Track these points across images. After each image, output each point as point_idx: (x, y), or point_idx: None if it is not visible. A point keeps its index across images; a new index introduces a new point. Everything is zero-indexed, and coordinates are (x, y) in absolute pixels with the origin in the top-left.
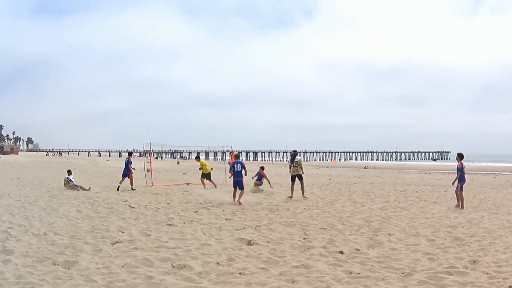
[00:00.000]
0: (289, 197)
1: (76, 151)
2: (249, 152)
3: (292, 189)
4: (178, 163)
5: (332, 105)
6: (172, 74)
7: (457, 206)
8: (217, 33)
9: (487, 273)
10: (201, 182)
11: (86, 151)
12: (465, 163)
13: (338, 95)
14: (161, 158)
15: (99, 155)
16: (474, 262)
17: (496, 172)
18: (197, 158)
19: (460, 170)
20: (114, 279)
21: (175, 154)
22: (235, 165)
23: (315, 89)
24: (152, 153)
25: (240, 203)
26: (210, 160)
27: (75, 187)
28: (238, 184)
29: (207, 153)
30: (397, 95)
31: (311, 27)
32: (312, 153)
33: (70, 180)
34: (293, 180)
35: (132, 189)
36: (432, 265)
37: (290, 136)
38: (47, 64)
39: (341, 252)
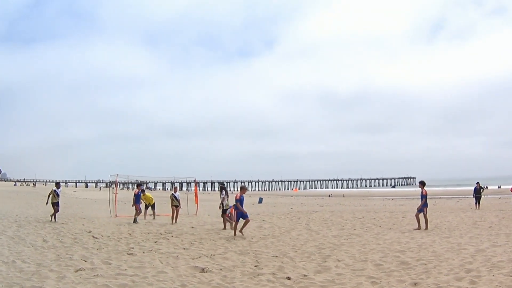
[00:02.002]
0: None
1: (43, 181)
2: (214, 182)
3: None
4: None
5: (294, 134)
6: (135, 104)
7: (417, 229)
8: (179, 63)
9: None
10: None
11: (53, 181)
12: (430, 188)
13: (300, 124)
14: (132, 189)
15: (66, 186)
16: (415, 284)
17: (460, 196)
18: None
19: (424, 197)
20: None
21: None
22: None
23: (277, 118)
24: (118, 184)
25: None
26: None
27: (57, 205)
28: (242, 215)
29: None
30: (359, 122)
31: (271, 57)
32: (277, 182)
33: (57, 195)
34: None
35: (134, 221)
36: None
37: (254, 165)
38: (13, 93)
39: (288, 278)
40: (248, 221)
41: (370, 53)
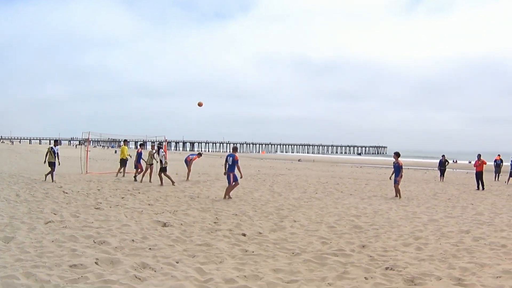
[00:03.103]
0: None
1: (18, 138)
2: (186, 142)
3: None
4: (115, 152)
5: (268, 98)
6: (110, 62)
7: (396, 196)
8: (155, 23)
9: (371, 256)
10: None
11: (27, 139)
12: (399, 159)
13: (274, 88)
14: (107, 147)
15: (40, 143)
16: (363, 246)
17: (428, 168)
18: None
19: (401, 167)
20: (44, 251)
21: (113, 143)
22: (228, 158)
23: (251, 82)
24: (91, 141)
25: (230, 197)
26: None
27: (53, 165)
28: (227, 178)
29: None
30: (333, 89)
31: (247, 20)
32: (248, 145)
33: (54, 153)
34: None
35: (135, 179)
36: (323, 247)
37: (227, 127)
38: None
39: (244, 235)
40: (237, 184)
41: (348, 22)
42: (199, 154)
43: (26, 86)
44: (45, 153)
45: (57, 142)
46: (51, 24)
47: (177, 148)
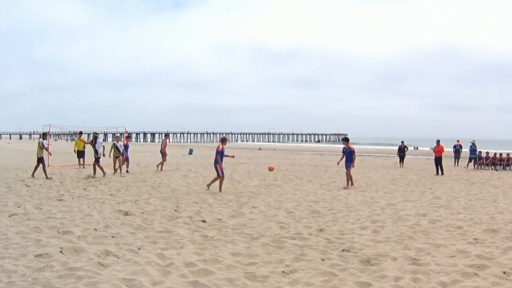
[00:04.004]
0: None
1: None
2: (146, 133)
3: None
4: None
5: (227, 86)
6: (68, 53)
7: (347, 187)
8: (113, 14)
9: (328, 239)
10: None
11: None
12: (360, 146)
13: (233, 77)
14: (67, 140)
15: (0, 138)
16: (320, 230)
17: (389, 155)
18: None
19: (353, 152)
20: (9, 242)
21: (73, 136)
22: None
23: (210, 71)
24: (51, 134)
25: (208, 188)
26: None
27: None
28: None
29: (105, 134)
30: (292, 78)
31: (205, 9)
32: (209, 134)
33: (44, 146)
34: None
35: (126, 171)
36: (281, 232)
37: (187, 117)
38: None
39: (203, 221)
40: (223, 178)
41: (306, 10)
42: (166, 136)
43: None
44: (37, 149)
45: (45, 135)
46: (6, 16)
47: (138, 140)
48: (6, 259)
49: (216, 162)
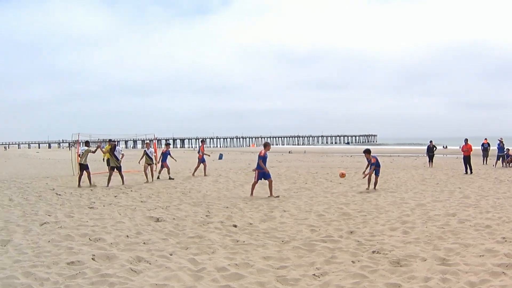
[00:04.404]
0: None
1: (4, 144)
2: (176, 139)
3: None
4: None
5: (253, 91)
6: (93, 62)
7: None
8: (136, 21)
9: (358, 241)
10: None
11: (16, 143)
12: (389, 147)
13: (258, 80)
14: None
15: (29, 147)
16: (351, 232)
17: (418, 155)
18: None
19: (373, 164)
20: (41, 250)
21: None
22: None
23: (236, 75)
24: (80, 143)
25: (277, 196)
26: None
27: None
28: (264, 175)
29: (134, 141)
30: (317, 80)
31: (228, 14)
32: (238, 139)
33: (112, 155)
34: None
35: (169, 178)
36: (312, 235)
37: (215, 122)
38: None
39: (235, 226)
40: (271, 181)
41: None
42: (203, 141)
43: (8, 89)
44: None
45: (88, 143)
46: (30, 26)
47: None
48: (38, 267)
49: (257, 167)
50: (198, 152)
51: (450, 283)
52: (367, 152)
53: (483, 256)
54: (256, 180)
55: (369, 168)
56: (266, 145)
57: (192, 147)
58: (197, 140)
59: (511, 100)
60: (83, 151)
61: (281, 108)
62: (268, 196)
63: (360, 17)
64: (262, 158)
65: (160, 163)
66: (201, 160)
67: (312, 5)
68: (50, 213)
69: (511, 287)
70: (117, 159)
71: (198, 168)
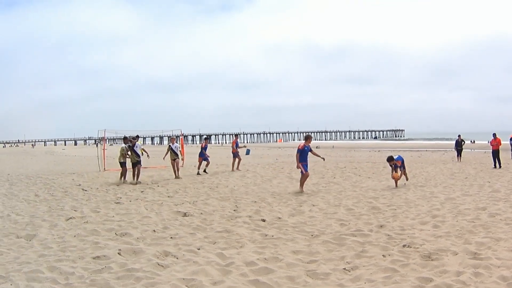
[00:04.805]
0: None
1: (32, 141)
2: (202, 135)
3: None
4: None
5: (280, 86)
6: (120, 60)
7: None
8: (162, 19)
9: (388, 235)
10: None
11: (42, 141)
12: (417, 142)
13: (285, 76)
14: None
15: (55, 144)
16: (381, 226)
17: (447, 149)
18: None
19: (397, 166)
20: (67, 245)
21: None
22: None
23: (262, 71)
24: (107, 139)
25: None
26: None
27: (124, 165)
28: (305, 167)
29: (161, 137)
30: (344, 75)
31: (253, 10)
32: (265, 134)
33: (132, 151)
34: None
35: (204, 171)
36: (341, 229)
37: (241, 118)
38: None
39: (263, 220)
40: (307, 175)
41: (356, 6)
42: (236, 136)
43: (37, 88)
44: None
45: (126, 139)
46: (57, 25)
47: (194, 142)
48: (63, 261)
49: (300, 160)
50: (233, 147)
51: (482, 277)
52: (390, 160)
53: None
54: (304, 171)
55: (397, 170)
56: (307, 138)
57: (218, 142)
58: (224, 135)
59: None
60: (126, 148)
61: (308, 103)
62: (300, 188)
63: (387, 11)
64: (300, 152)
65: (199, 157)
66: (235, 155)
67: (338, 0)
68: (76, 208)
69: None
70: (137, 154)
71: (235, 162)
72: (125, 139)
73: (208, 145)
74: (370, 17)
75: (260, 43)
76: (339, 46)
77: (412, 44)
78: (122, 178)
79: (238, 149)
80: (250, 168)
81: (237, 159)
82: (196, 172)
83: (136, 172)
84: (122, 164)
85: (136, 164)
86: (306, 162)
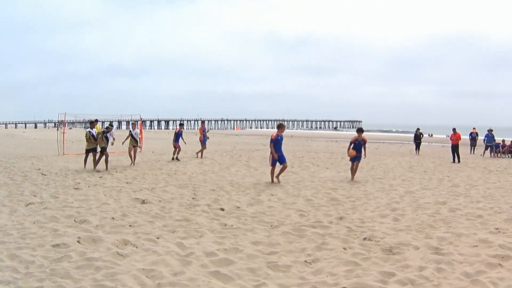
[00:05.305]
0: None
1: None
2: (160, 121)
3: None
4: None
5: (240, 74)
6: (82, 44)
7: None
8: (125, 4)
9: (348, 227)
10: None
11: (3, 123)
12: (374, 134)
13: (246, 64)
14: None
15: (16, 127)
16: (340, 218)
17: (404, 142)
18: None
19: (360, 143)
20: (27, 232)
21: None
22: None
23: (223, 59)
24: (66, 123)
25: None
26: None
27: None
28: (280, 158)
29: (119, 122)
30: (305, 65)
31: None
32: (223, 121)
33: (92, 136)
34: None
35: (176, 158)
36: (301, 220)
37: (200, 105)
38: None
39: (222, 209)
40: (286, 166)
41: None
42: (203, 122)
43: None
44: (86, 138)
45: (93, 123)
46: (20, 7)
47: (152, 127)
48: (23, 249)
49: (277, 151)
50: (200, 134)
51: (445, 273)
52: (360, 130)
53: (477, 246)
54: (271, 165)
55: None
56: (280, 127)
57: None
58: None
59: (499, 91)
60: (93, 133)
61: (268, 92)
62: (276, 177)
63: (350, 4)
64: (274, 142)
65: (175, 143)
66: (203, 141)
67: None
68: (36, 194)
69: (509, 279)
70: (108, 141)
71: (201, 149)
72: (91, 123)
73: (171, 130)
74: (333, 9)
75: (222, 30)
76: (300, 36)
77: (374, 38)
78: (106, 165)
79: (206, 135)
80: (208, 155)
81: (203, 147)
82: (172, 158)
83: (104, 159)
84: (103, 149)
85: (103, 150)
86: (282, 152)
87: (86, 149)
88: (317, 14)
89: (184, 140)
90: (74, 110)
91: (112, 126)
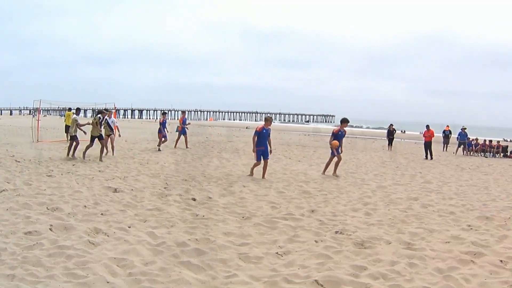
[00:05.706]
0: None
1: None
2: (134, 110)
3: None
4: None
5: (215, 65)
6: (57, 31)
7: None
8: None
9: (320, 220)
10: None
11: None
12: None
13: (220, 56)
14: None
15: None
16: (312, 211)
17: (376, 137)
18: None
19: (342, 134)
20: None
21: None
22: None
23: (198, 50)
24: (41, 110)
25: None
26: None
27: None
28: (263, 153)
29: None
30: (280, 58)
31: None
32: (196, 112)
33: (106, 123)
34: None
35: (159, 149)
36: (273, 212)
37: (174, 95)
38: None
39: (194, 199)
40: (267, 162)
41: None
42: (183, 112)
43: None
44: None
45: (79, 110)
46: None
47: (126, 116)
48: None
49: (257, 145)
50: (179, 124)
51: (417, 268)
52: (345, 121)
53: (449, 242)
54: (256, 160)
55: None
56: (266, 120)
57: (150, 118)
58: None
59: (472, 89)
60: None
61: (243, 84)
62: (250, 173)
63: None
64: (258, 134)
65: (158, 133)
66: (181, 132)
67: None
68: (9, 180)
69: (481, 276)
70: (111, 128)
71: (179, 139)
72: (77, 110)
73: (145, 119)
74: (309, 3)
75: (198, 21)
76: (275, 29)
77: (350, 33)
78: (104, 152)
79: (186, 127)
80: (181, 145)
81: (183, 137)
82: (157, 149)
83: (87, 146)
84: (100, 137)
85: (100, 137)
86: (264, 146)
87: (91, 136)
88: (294, 7)
89: (167, 130)
90: (49, 97)
91: (107, 110)
